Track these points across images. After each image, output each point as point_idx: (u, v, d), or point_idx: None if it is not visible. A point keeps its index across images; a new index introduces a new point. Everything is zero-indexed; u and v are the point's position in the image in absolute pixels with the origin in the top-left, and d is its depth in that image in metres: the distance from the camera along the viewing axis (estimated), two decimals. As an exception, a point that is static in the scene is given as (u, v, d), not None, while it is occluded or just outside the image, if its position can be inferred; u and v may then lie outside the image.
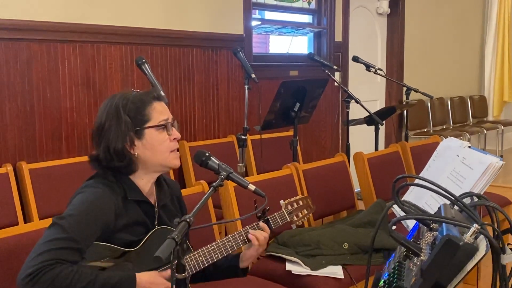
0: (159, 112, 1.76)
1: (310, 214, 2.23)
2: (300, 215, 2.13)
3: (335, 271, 2.46)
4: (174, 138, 1.78)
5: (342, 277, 2.44)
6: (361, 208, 3.34)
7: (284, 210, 2.06)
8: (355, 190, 3.42)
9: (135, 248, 1.71)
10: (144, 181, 1.78)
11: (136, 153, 1.73)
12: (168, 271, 1.70)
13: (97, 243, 1.64)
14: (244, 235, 1.86)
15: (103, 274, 1.58)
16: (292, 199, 2.12)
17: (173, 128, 1.78)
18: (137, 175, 1.77)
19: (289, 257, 2.52)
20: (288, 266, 2.48)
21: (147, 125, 1.73)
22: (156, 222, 1.81)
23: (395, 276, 1.22)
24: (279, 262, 2.54)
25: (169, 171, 1.86)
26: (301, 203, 2.15)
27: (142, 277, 1.64)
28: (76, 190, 1.72)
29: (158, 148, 1.74)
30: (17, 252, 1.83)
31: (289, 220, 2.06)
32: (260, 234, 1.85)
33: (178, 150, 1.81)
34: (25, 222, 2.96)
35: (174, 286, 1.45)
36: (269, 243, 2.67)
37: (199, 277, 1.93)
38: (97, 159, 1.74)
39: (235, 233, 1.85)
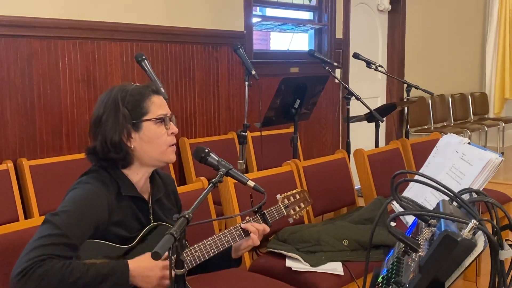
0: (158, 106, 1.76)
1: (308, 208, 2.22)
2: (297, 209, 2.11)
3: (335, 267, 2.47)
4: (172, 133, 1.77)
5: (342, 273, 2.45)
6: (361, 205, 3.34)
7: (280, 204, 2.04)
8: (355, 187, 3.42)
9: (130, 244, 1.71)
10: (139, 176, 1.77)
11: (132, 146, 1.73)
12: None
13: (92, 240, 1.63)
14: (240, 229, 1.86)
15: (95, 265, 1.57)
16: (289, 193, 2.11)
17: (171, 122, 1.78)
18: (132, 169, 1.76)
19: (289, 254, 2.53)
20: (288, 263, 2.48)
21: (145, 118, 1.73)
22: (151, 218, 1.80)
23: (394, 271, 1.22)
24: (279, 259, 2.54)
25: (164, 166, 1.85)
26: (298, 196, 2.13)
27: (135, 263, 1.62)
28: (70, 187, 1.71)
29: (156, 141, 1.74)
30: (18, 248, 1.82)
31: (286, 214, 2.05)
32: (251, 226, 1.85)
33: (174, 145, 1.81)
34: (26, 218, 2.96)
35: (173, 282, 1.45)
36: (269, 239, 2.67)
37: (192, 269, 1.92)
38: (94, 151, 1.74)
39: (231, 227, 1.85)
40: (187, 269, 1.73)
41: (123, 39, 3.63)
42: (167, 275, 1.63)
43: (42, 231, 1.55)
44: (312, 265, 2.45)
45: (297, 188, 2.23)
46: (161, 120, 1.75)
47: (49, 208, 2.88)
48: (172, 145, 1.78)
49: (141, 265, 1.63)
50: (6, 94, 3.12)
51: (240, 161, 3.45)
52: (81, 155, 3.21)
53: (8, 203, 2.93)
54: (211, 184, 1.66)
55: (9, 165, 3.01)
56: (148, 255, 1.63)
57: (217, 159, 1.75)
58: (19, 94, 3.17)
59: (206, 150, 1.76)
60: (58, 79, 3.34)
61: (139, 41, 3.72)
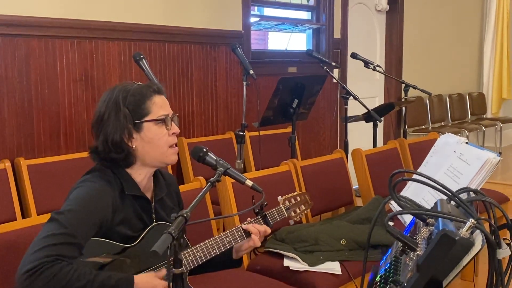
0: (159, 106, 1.76)
1: (308, 210, 2.23)
2: (298, 211, 2.13)
3: (333, 267, 2.47)
4: (173, 133, 1.77)
5: (340, 273, 2.45)
6: (359, 205, 3.34)
7: (281, 205, 2.06)
8: (353, 187, 3.43)
9: (133, 243, 1.71)
10: (142, 176, 1.78)
11: (134, 146, 1.73)
12: (164, 270, 1.71)
13: (95, 239, 1.64)
14: (241, 230, 1.86)
15: (101, 274, 1.57)
16: (290, 195, 2.13)
17: (172, 122, 1.78)
18: (135, 169, 1.77)
19: (287, 253, 2.53)
20: (286, 262, 2.49)
21: (146, 118, 1.73)
22: (153, 217, 1.81)
23: (392, 271, 1.22)
24: (277, 258, 2.54)
25: (166, 167, 1.85)
26: (298, 198, 2.15)
27: (140, 278, 1.64)
28: (74, 185, 1.71)
29: (157, 142, 1.74)
30: (15, 248, 1.84)
31: (286, 215, 2.06)
32: (252, 227, 1.86)
33: (176, 145, 1.81)
34: (23, 217, 2.96)
35: (171, 281, 1.45)
36: (267, 239, 2.67)
37: (193, 269, 1.93)
38: (96, 151, 1.74)
39: (233, 228, 1.86)
40: (189, 268, 1.74)
41: (121, 39, 3.63)
42: None
43: (49, 229, 1.55)
44: (310, 265, 2.45)
45: (297, 191, 2.25)
46: (162, 120, 1.75)
47: (47, 207, 2.90)
48: (173, 145, 1.78)
49: (146, 280, 1.64)
50: (3, 93, 3.11)
51: (238, 161, 3.45)
52: (79, 155, 3.26)
53: (5, 202, 2.93)
54: (209, 183, 1.67)
55: (7, 164, 3.01)
56: (152, 273, 1.68)
57: (215, 158, 1.75)
58: (17, 94, 3.17)
59: (204, 150, 1.76)
60: (56, 78, 3.33)
61: (137, 41, 3.71)
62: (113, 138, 1.70)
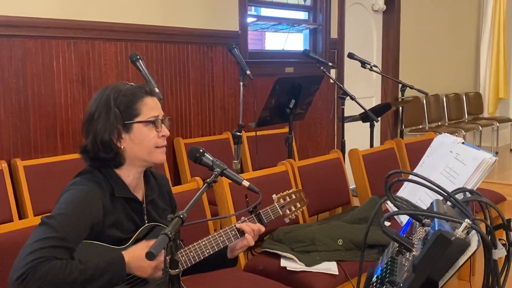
0: (150, 107, 1.75)
1: (304, 208, 2.22)
2: (293, 209, 2.11)
3: (330, 267, 2.48)
4: (163, 135, 1.76)
5: (337, 273, 2.45)
6: (356, 205, 3.35)
7: (276, 204, 2.05)
8: (350, 187, 3.43)
9: (125, 245, 1.70)
10: (131, 177, 1.77)
11: (122, 146, 1.72)
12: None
13: (87, 241, 1.63)
14: (235, 229, 1.86)
15: (92, 261, 1.57)
16: (285, 193, 2.11)
17: (162, 125, 1.77)
18: (124, 170, 1.76)
19: (284, 254, 2.53)
20: (283, 262, 2.49)
21: (136, 119, 1.72)
22: (145, 218, 1.80)
23: (388, 271, 1.23)
24: (274, 259, 2.54)
25: (153, 165, 1.84)
26: (293, 196, 2.13)
27: (130, 253, 1.63)
28: (64, 188, 1.70)
29: (146, 144, 1.73)
30: (12, 249, 1.83)
31: (281, 213, 2.05)
32: (246, 226, 1.86)
33: (165, 146, 1.79)
34: (20, 218, 2.95)
35: (167, 282, 1.45)
36: (264, 239, 2.67)
37: (188, 269, 1.92)
38: (85, 150, 1.74)
39: (226, 228, 1.85)
40: (181, 269, 1.73)
41: (118, 39, 3.62)
42: (160, 265, 1.63)
43: (39, 234, 1.54)
44: (307, 265, 2.45)
45: (292, 188, 2.23)
46: (152, 122, 1.74)
47: (44, 208, 2.89)
48: (161, 147, 1.77)
49: (136, 255, 1.64)
50: (0, 94, 3.11)
51: (235, 161, 3.45)
52: (76, 155, 3.20)
53: (2, 203, 2.92)
54: (205, 184, 1.66)
55: (3, 165, 3.01)
56: (142, 245, 1.66)
57: (211, 159, 1.75)
58: (13, 94, 3.16)
59: (201, 150, 1.75)
60: (53, 79, 3.33)
61: (133, 41, 3.71)
62: (102, 138, 1.70)
